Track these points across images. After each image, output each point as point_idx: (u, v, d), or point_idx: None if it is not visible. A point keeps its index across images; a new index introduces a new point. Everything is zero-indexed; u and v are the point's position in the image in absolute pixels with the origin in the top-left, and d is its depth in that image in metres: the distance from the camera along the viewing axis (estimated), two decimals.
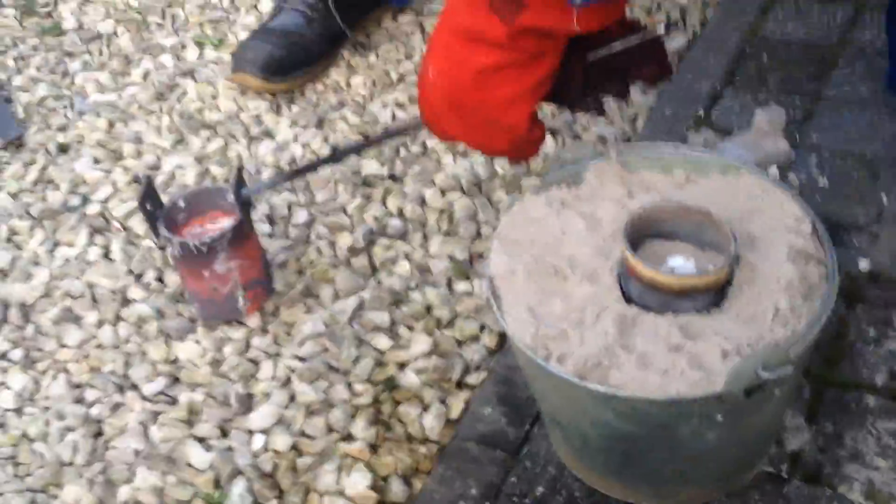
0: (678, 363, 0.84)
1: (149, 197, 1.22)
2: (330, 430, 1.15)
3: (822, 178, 1.31)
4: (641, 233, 0.95)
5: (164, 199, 1.27)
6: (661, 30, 1.14)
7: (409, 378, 1.19)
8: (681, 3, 1.71)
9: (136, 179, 1.51)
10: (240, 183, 1.24)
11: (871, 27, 1.56)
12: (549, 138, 1.50)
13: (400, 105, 1.60)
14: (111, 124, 1.63)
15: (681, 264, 0.91)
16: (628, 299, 0.92)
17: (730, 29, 1.61)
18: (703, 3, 1.71)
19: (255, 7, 1.87)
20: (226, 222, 1.25)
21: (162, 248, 1.38)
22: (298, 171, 1.35)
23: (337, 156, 1.30)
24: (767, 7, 1.63)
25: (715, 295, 0.89)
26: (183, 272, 1.25)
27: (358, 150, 1.39)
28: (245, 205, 1.24)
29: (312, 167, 1.32)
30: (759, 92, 1.47)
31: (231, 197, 1.24)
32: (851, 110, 1.41)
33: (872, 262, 1.20)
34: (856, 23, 1.57)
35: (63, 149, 1.60)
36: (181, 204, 1.25)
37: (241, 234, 1.22)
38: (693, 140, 1.09)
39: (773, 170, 1.23)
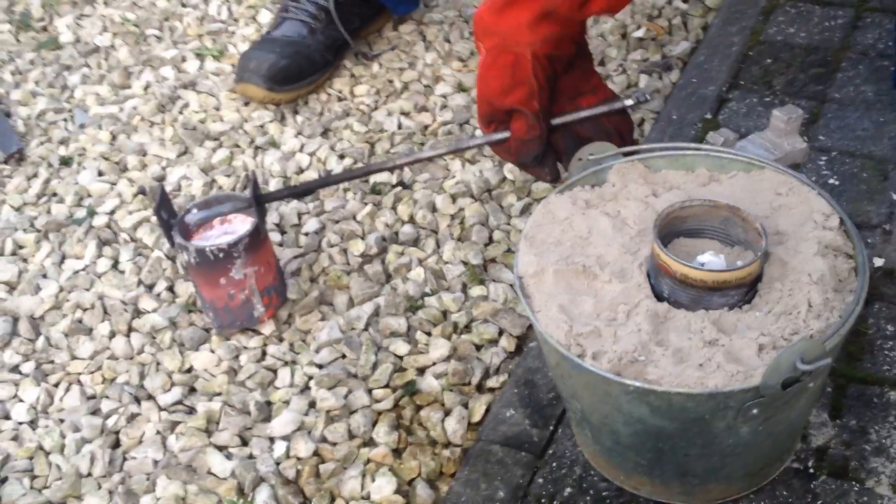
0: (714, 357, 0.84)
1: (163, 205, 1.22)
2: (352, 435, 1.14)
3: (832, 178, 1.32)
4: (669, 230, 0.95)
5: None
6: (630, 101, 1.17)
7: (430, 382, 1.19)
8: (682, 8, 1.73)
9: (141, 191, 1.50)
10: (256, 188, 1.23)
11: (872, 30, 1.58)
12: None
13: (405, 113, 1.60)
14: (114, 136, 1.63)
15: (710, 260, 0.91)
16: (659, 297, 0.92)
17: (732, 33, 1.62)
18: (704, 7, 1.73)
19: (254, 18, 1.87)
20: (240, 226, 1.24)
21: (172, 259, 1.37)
22: (321, 183, 1.36)
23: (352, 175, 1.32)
24: (769, 11, 1.65)
25: (746, 291, 0.90)
26: (198, 281, 1.23)
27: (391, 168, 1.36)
28: (261, 209, 1.24)
29: (326, 183, 1.33)
30: (764, 95, 1.49)
31: (245, 202, 1.23)
32: (857, 111, 1.43)
33: (887, 259, 1.21)
34: (857, 26, 1.59)
35: (65, 162, 1.59)
36: (194, 211, 1.24)
37: (258, 239, 1.21)
38: (713, 140, 1.10)
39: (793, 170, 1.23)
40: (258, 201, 1.23)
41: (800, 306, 0.87)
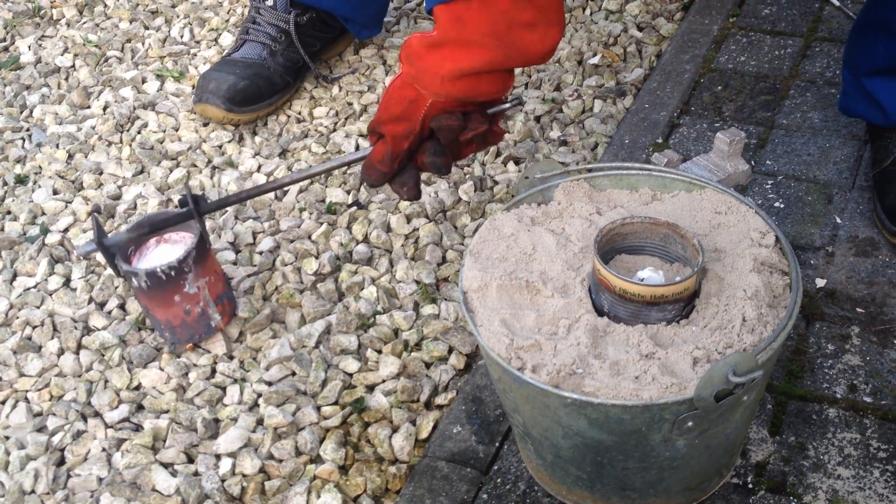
0: (650, 370, 0.86)
1: (101, 234, 1.20)
2: (298, 452, 1.14)
3: (778, 201, 1.35)
4: (611, 247, 0.97)
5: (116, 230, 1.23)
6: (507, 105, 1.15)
7: (378, 400, 1.19)
8: (637, 37, 1.76)
9: (95, 209, 1.50)
10: (196, 201, 1.21)
11: (820, 59, 1.61)
12: (511, 163, 1.53)
13: (363, 135, 1.62)
14: (70, 155, 1.63)
15: (650, 275, 0.93)
16: (599, 311, 0.93)
17: (685, 61, 1.65)
18: (658, 35, 1.76)
19: (216, 41, 1.88)
20: (179, 242, 1.22)
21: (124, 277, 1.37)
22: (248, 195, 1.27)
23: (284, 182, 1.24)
24: (721, 40, 1.69)
25: (684, 305, 0.91)
26: (151, 304, 1.21)
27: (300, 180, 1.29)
28: (202, 220, 1.21)
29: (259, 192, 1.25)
30: (714, 121, 1.52)
31: (176, 218, 1.20)
32: (804, 137, 1.46)
33: (829, 280, 1.23)
34: (805, 55, 1.62)
35: (21, 180, 1.58)
36: (126, 235, 1.21)
37: (204, 250, 1.21)
38: (657, 161, 1.12)
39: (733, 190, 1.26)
40: (199, 213, 1.21)
41: (734, 321, 0.88)
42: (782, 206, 1.34)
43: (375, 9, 1.74)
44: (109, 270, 1.39)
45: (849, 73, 1.34)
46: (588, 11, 1.86)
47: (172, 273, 1.18)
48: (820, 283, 1.22)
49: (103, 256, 1.19)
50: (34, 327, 1.32)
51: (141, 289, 1.19)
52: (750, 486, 1.02)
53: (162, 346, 1.28)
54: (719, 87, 1.58)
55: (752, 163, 1.41)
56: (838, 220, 1.31)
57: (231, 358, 1.26)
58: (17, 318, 1.34)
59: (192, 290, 1.19)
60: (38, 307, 1.35)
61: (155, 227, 1.21)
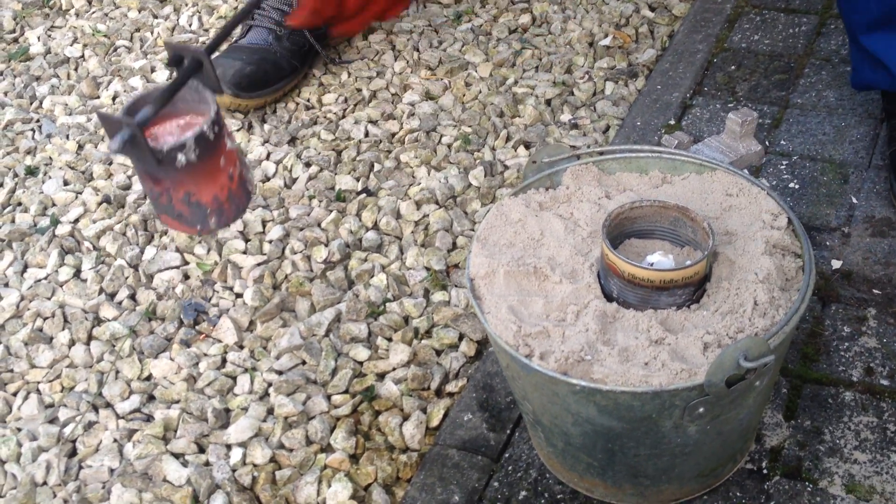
0: (660, 356, 0.84)
1: (132, 112, 1.06)
2: (309, 441, 1.14)
3: (793, 182, 1.33)
4: (620, 231, 0.95)
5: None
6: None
7: (389, 388, 1.18)
8: (649, 17, 1.74)
9: (106, 200, 1.49)
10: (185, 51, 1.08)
11: (835, 36, 1.59)
12: (522, 148, 1.51)
13: (373, 121, 1.60)
14: (80, 146, 1.62)
15: (659, 260, 0.91)
16: (608, 297, 0.92)
17: (697, 41, 1.63)
18: (671, 15, 1.74)
19: None
20: (192, 104, 1.09)
21: (134, 267, 1.36)
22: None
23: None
24: (734, 19, 1.66)
25: (694, 290, 0.90)
26: (195, 184, 1.02)
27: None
28: (209, 59, 1.08)
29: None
30: (728, 101, 1.49)
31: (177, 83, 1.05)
32: (819, 116, 1.43)
33: (845, 261, 1.21)
34: (821, 32, 1.60)
35: (31, 171, 1.58)
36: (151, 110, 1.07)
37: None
38: (667, 143, 1.10)
39: (746, 172, 1.24)
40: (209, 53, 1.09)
41: (745, 305, 0.87)
42: (797, 186, 1.32)
43: None
44: (120, 261, 1.39)
45: (850, 39, 1.31)
46: None
47: (216, 129, 1.03)
48: (836, 264, 1.20)
49: (138, 143, 0.96)
50: (45, 318, 1.32)
51: (188, 165, 1.01)
52: (765, 471, 1.01)
53: (172, 336, 1.28)
54: (733, 67, 1.56)
55: (767, 143, 1.39)
56: (854, 201, 1.29)
57: (241, 347, 1.26)
58: (28, 309, 1.34)
59: (231, 145, 1.04)
60: (48, 298, 1.35)
61: (166, 93, 1.07)
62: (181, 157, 0.98)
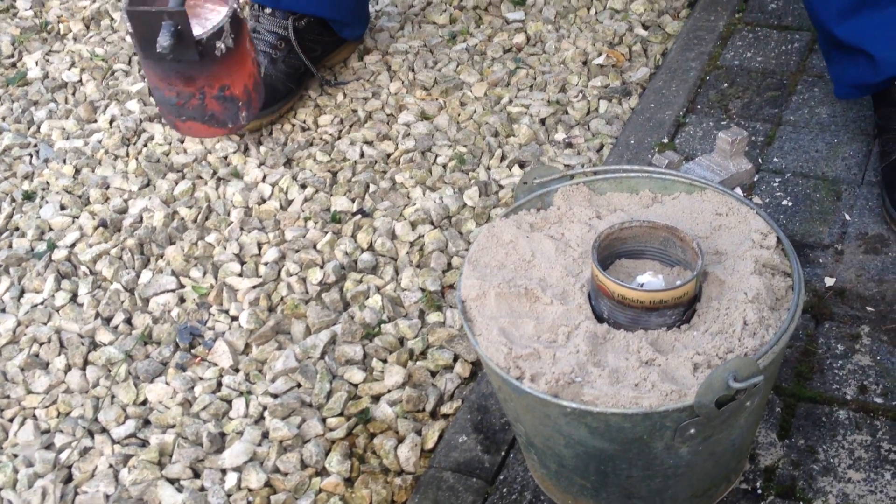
0: (650, 377, 0.84)
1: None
2: (304, 465, 1.14)
3: (786, 199, 1.33)
4: (610, 252, 0.95)
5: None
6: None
7: (384, 410, 1.18)
8: (642, 35, 1.74)
9: (102, 224, 1.50)
10: None
11: None
12: (516, 167, 1.52)
13: (368, 142, 1.61)
14: (77, 170, 1.63)
15: (649, 280, 0.92)
16: (599, 318, 0.92)
17: (690, 58, 1.64)
18: (664, 34, 1.75)
19: None
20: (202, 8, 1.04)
21: (130, 291, 1.37)
22: None
23: None
24: (726, 36, 1.67)
25: (684, 310, 0.90)
26: (230, 74, 1.00)
27: None
28: None
29: None
30: (721, 119, 1.50)
31: None
32: (811, 133, 1.44)
33: (838, 279, 1.21)
34: (813, 49, 1.60)
35: (28, 196, 1.59)
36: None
37: None
38: (658, 162, 1.10)
39: (738, 190, 1.24)
40: None
41: (735, 325, 0.87)
42: (790, 203, 1.32)
43: (351, 6, 1.72)
44: (115, 285, 1.39)
45: (821, 37, 1.30)
46: (593, 11, 1.85)
47: (238, 6, 0.99)
48: (829, 281, 1.20)
49: (184, 35, 0.92)
50: (41, 344, 1.33)
51: (225, 53, 0.99)
52: (759, 491, 1.00)
53: (168, 360, 1.28)
54: (726, 85, 1.56)
55: (760, 160, 1.39)
56: (847, 218, 1.29)
57: (236, 371, 1.26)
58: (25, 334, 1.34)
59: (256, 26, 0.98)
60: (45, 323, 1.36)
61: None
62: (220, 45, 0.95)
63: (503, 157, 1.55)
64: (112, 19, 2.01)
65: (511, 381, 0.87)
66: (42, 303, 1.39)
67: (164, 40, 0.88)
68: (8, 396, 1.27)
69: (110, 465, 1.17)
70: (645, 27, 1.78)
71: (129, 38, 0.88)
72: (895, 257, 1.23)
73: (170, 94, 0.97)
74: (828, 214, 1.30)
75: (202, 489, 1.13)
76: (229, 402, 1.22)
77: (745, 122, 1.48)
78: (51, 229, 1.52)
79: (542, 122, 1.60)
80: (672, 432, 0.85)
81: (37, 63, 1.90)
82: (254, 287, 1.37)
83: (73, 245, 1.48)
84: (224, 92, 0.97)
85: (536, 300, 0.95)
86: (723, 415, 0.84)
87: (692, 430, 0.85)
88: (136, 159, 1.63)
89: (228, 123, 0.99)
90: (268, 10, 1.65)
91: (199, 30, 0.95)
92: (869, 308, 1.17)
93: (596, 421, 0.84)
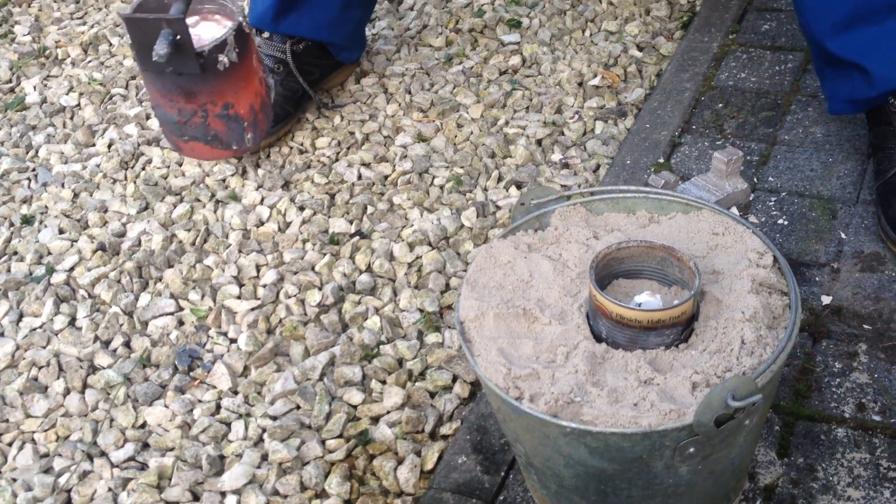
0: (649, 397, 0.85)
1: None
2: (303, 487, 1.14)
3: (782, 218, 1.34)
4: (608, 272, 0.96)
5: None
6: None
7: (383, 431, 1.18)
8: (637, 56, 1.76)
9: (101, 247, 1.50)
10: None
11: None
12: (513, 188, 1.52)
13: (366, 164, 1.62)
14: (76, 194, 1.64)
15: (647, 300, 0.92)
16: (598, 337, 0.92)
17: (685, 79, 1.65)
18: (658, 55, 1.76)
19: None
20: (204, 18, 1.01)
21: (129, 315, 1.37)
22: None
23: None
24: (720, 57, 1.68)
25: (682, 329, 0.90)
26: (235, 91, 0.96)
27: None
28: None
29: None
30: (716, 139, 1.51)
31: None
32: (806, 152, 1.45)
33: (835, 297, 1.22)
34: (807, 69, 1.61)
35: (27, 220, 1.59)
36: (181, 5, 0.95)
37: None
38: (654, 182, 1.11)
39: (734, 210, 1.25)
40: None
41: (733, 343, 0.87)
42: (786, 222, 1.33)
43: (349, 30, 1.73)
44: (114, 308, 1.39)
45: (815, 53, 1.30)
46: (588, 33, 1.86)
47: (252, 31, 0.94)
48: (826, 300, 1.21)
49: (184, 44, 0.86)
50: (40, 368, 1.33)
51: (229, 68, 0.95)
52: None
53: (167, 383, 1.28)
54: (720, 105, 1.57)
55: (755, 179, 1.40)
56: (843, 236, 1.30)
57: (235, 393, 1.26)
58: (24, 358, 1.34)
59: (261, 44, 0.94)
60: (43, 347, 1.36)
61: None
62: (223, 59, 0.92)
63: (500, 178, 1.55)
64: (110, 44, 2.02)
65: (510, 402, 0.87)
66: (41, 326, 1.39)
67: (160, 48, 0.86)
68: (7, 420, 1.27)
69: (109, 489, 1.16)
70: (639, 48, 1.79)
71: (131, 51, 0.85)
72: (891, 275, 1.24)
73: (171, 110, 0.95)
74: (823, 233, 1.31)
75: None
76: (228, 425, 1.22)
77: (740, 142, 1.49)
78: (49, 253, 1.52)
79: (539, 142, 1.61)
80: (671, 451, 0.85)
81: (35, 88, 1.91)
82: (252, 309, 1.37)
83: (72, 269, 1.48)
84: (228, 110, 0.94)
85: (535, 320, 0.95)
86: (722, 434, 0.84)
87: (691, 450, 0.85)
88: (135, 183, 1.64)
89: (233, 145, 0.95)
90: (266, 34, 1.66)
91: (201, 41, 0.93)
92: (866, 326, 1.17)
93: (595, 441, 0.85)
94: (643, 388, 0.85)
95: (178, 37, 0.84)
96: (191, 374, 1.29)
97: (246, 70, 0.92)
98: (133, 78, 1.91)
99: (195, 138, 0.95)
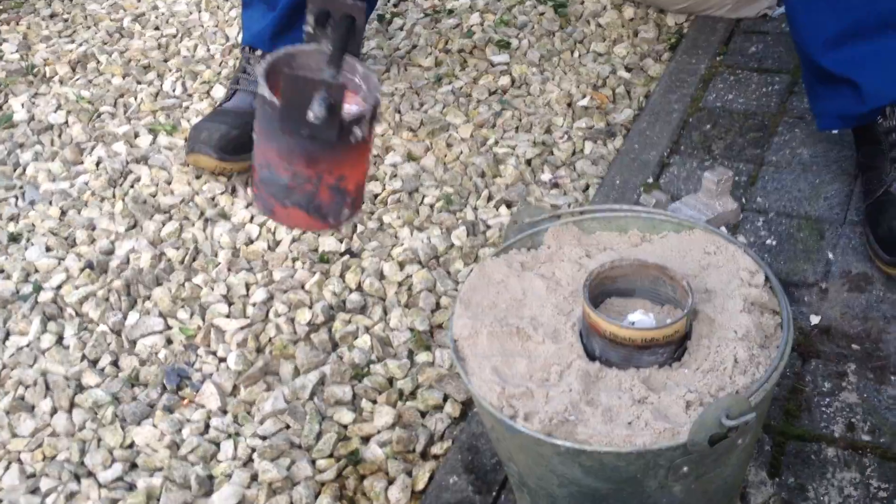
0: (643, 416, 0.85)
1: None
2: None
3: (770, 238, 1.35)
4: (601, 291, 0.96)
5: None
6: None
7: (374, 451, 1.18)
8: (625, 78, 1.77)
9: (89, 266, 1.49)
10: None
11: None
12: (503, 207, 1.53)
13: None
14: (63, 212, 1.63)
15: (640, 318, 0.92)
16: (591, 356, 0.93)
17: (673, 101, 1.66)
18: (647, 76, 1.78)
19: (208, 93, 1.89)
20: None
21: (117, 333, 1.36)
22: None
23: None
24: (708, 79, 1.70)
25: (675, 348, 0.91)
26: (353, 165, 0.92)
27: None
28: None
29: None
30: (704, 159, 1.52)
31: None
32: (793, 173, 1.46)
33: (823, 317, 1.22)
34: (793, 91, 1.63)
35: (14, 238, 1.58)
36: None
37: None
38: (645, 202, 1.12)
39: (723, 229, 1.26)
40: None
41: (726, 362, 0.87)
42: (774, 243, 1.34)
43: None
44: (102, 327, 1.38)
45: (806, 69, 1.31)
46: (576, 54, 1.87)
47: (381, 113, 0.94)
48: (814, 319, 1.22)
49: (335, 110, 0.82)
50: (27, 387, 1.32)
51: (356, 142, 0.90)
52: None
53: (155, 402, 1.27)
54: (708, 126, 1.59)
55: (744, 200, 1.41)
56: (831, 256, 1.31)
57: (225, 412, 1.25)
58: (10, 378, 1.33)
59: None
60: (30, 366, 1.34)
61: (336, 55, 0.91)
62: (357, 132, 0.88)
63: (490, 198, 1.56)
64: (98, 62, 2.02)
65: (505, 421, 0.87)
66: (28, 345, 1.38)
67: (319, 110, 0.82)
68: None
69: None
70: (628, 70, 1.81)
71: (259, 102, 0.81)
72: (879, 295, 1.25)
73: (284, 173, 0.91)
74: (811, 253, 1.32)
75: None
76: (217, 445, 1.22)
77: (728, 163, 1.50)
78: (36, 271, 1.51)
79: (528, 162, 1.62)
80: (665, 471, 0.85)
81: (23, 105, 1.90)
82: (242, 328, 1.36)
83: (59, 287, 1.47)
84: (340, 183, 0.91)
85: (528, 339, 0.95)
86: (715, 452, 0.84)
87: (685, 468, 0.85)
88: (123, 201, 1.63)
89: (330, 218, 0.92)
90: (258, 52, 1.66)
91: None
92: (855, 346, 1.18)
93: (590, 460, 0.85)
94: (637, 407, 0.86)
95: (333, 102, 0.83)
96: (179, 393, 1.29)
97: (367, 147, 0.90)
98: (121, 96, 1.91)
99: (298, 205, 0.92)
